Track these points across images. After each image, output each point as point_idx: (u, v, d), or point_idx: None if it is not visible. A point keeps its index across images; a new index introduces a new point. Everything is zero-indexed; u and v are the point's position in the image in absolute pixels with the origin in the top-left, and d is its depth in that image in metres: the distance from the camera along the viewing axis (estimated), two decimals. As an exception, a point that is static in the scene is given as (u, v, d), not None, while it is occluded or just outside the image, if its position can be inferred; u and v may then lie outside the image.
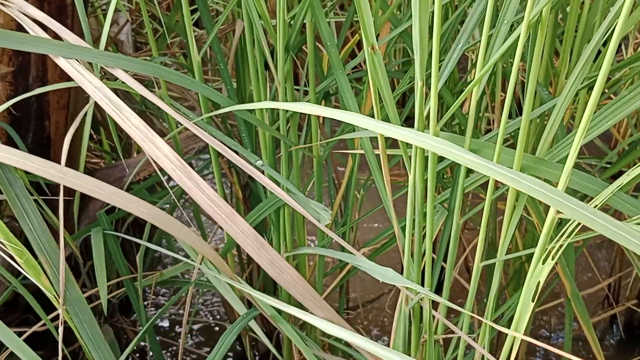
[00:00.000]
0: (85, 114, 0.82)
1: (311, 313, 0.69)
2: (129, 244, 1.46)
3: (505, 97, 0.61)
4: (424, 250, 0.72)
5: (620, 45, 1.66)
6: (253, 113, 0.91)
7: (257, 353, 1.59)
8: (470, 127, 0.64)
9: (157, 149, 0.66)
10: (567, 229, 0.57)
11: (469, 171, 0.87)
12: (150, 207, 0.71)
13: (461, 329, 0.74)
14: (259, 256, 0.66)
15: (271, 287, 1.28)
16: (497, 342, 1.18)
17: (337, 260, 1.06)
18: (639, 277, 1.37)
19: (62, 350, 0.68)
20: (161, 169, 1.27)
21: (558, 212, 0.58)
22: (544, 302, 1.23)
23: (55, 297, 0.68)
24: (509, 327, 0.64)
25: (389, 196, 0.71)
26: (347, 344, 1.01)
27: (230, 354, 1.59)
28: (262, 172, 0.88)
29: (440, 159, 1.02)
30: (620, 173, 1.31)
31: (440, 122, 0.64)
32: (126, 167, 1.22)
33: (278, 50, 0.79)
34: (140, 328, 1.26)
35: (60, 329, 0.67)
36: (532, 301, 0.60)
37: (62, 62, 0.74)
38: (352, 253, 0.70)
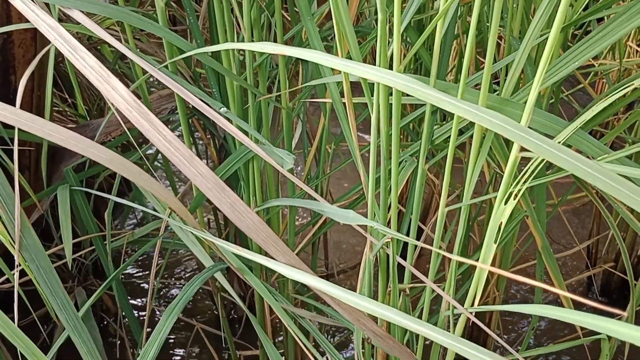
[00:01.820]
0: (48, 60, 0.79)
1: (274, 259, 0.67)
2: (104, 207, 1.44)
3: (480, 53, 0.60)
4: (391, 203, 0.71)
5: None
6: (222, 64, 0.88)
7: (236, 316, 1.58)
8: (435, 65, 0.62)
9: (112, 90, 0.64)
10: (529, 167, 0.56)
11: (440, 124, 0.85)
12: (113, 154, 0.69)
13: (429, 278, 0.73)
14: (219, 200, 0.65)
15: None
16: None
17: (310, 218, 1.04)
18: (615, 240, 1.37)
19: (19, 298, 0.66)
20: (130, 129, 1.24)
21: (522, 149, 0.57)
22: (519, 262, 1.23)
23: (11, 243, 0.67)
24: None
25: (354, 140, 0.69)
26: (319, 301, 1.00)
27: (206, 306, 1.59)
28: (231, 122, 0.86)
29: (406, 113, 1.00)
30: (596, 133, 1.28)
31: (404, 60, 0.62)
32: (98, 126, 1.20)
33: (243, -6, 0.77)
34: (115, 292, 1.25)
35: (16, 274, 0.65)
36: (495, 242, 0.60)
37: (16, 2, 0.72)
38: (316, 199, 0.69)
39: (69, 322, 0.69)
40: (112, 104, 0.67)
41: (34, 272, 0.68)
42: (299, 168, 2.01)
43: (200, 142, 1.70)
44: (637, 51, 1.61)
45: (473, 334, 1.28)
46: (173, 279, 1.70)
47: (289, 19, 1.16)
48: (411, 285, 0.75)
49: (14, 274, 0.74)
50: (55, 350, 0.75)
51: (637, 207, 0.46)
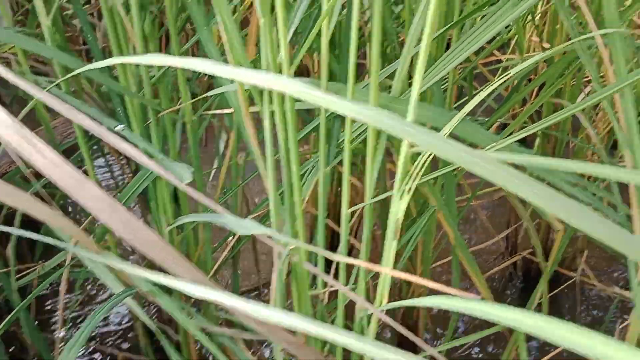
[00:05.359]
0: None
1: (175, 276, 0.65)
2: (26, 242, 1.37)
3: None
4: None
5: None
6: (118, 82, 0.86)
7: (172, 339, 1.53)
8: (325, 69, 0.62)
9: (-11, 113, 0.60)
10: (419, 161, 0.57)
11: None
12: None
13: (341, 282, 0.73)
14: (109, 218, 0.62)
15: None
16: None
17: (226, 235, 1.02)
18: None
19: None
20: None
21: (412, 145, 0.58)
22: (443, 255, 1.24)
23: None
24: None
25: (255, 148, 0.68)
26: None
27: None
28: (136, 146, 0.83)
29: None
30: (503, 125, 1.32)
31: (292, 65, 0.62)
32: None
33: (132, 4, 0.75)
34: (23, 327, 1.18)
35: None
36: (394, 239, 0.60)
37: None
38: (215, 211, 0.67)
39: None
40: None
41: None
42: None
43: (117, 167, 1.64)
44: (543, 47, 1.68)
45: (402, 336, 1.28)
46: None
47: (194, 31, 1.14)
48: (325, 290, 0.74)
49: None
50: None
51: (518, 190, 0.47)
